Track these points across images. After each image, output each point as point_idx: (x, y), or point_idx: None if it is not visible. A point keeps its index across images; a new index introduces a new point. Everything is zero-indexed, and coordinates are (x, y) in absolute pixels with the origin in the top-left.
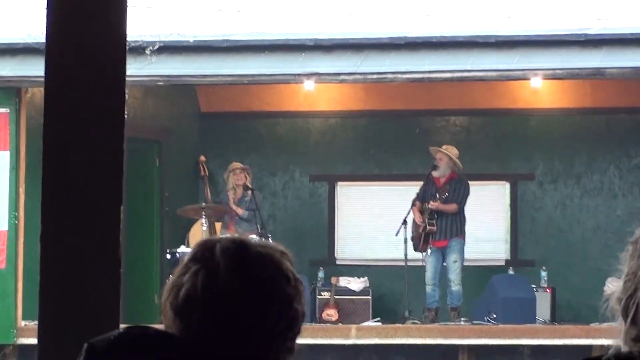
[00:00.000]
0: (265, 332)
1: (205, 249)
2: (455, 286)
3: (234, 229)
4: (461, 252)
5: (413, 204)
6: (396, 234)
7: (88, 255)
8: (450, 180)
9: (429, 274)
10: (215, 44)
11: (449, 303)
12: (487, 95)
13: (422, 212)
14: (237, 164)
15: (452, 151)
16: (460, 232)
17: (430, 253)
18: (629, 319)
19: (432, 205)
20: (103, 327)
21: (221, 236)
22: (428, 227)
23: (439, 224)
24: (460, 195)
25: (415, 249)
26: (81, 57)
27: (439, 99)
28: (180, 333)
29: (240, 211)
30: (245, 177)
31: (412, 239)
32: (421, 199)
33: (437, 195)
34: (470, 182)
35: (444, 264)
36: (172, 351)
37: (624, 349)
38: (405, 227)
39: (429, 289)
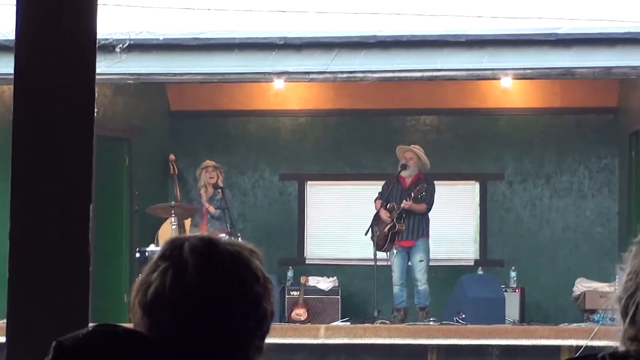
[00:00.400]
0: (233, 331)
1: (174, 247)
2: (422, 285)
3: (206, 228)
4: (427, 251)
5: (375, 202)
6: (365, 234)
7: (57, 253)
8: (417, 180)
9: (395, 274)
10: (185, 42)
11: (416, 303)
12: (457, 95)
13: (389, 211)
14: (210, 162)
15: (420, 151)
16: (425, 232)
17: (396, 253)
18: (628, 319)
19: (405, 204)
20: (72, 325)
21: (190, 234)
22: (397, 226)
23: (407, 224)
24: (429, 195)
25: (379, 248)
26: (51, 54)
27: (409, 98)
28: (149, 331)
29: (212, 209)
30: (218, 176)
31: (377, 238)
32: (385, 198)
33: (411, 195)
34: (439, 182)
35: (409, 263)
36: (140, 349)
37: (621, 348)
38: (375, 227)
39: (396, 289)
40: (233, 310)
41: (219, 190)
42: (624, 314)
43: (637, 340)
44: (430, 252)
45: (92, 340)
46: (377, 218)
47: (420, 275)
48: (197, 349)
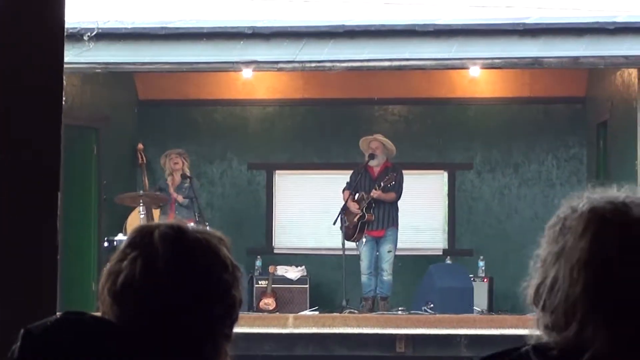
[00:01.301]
0: (202, 319)
1: (144, 235)
2: (388, 276)
3: (174, 216)
4: (395, 242)
5: (343, 193)
6: (334, 223)
7: (25, 242)
8: (385, 169)
9: (364, 264)
10: (153, 31)
11: (378, 292)
12: (426, 84)
13: (358, 201)
14: (174, 150)
15: (384, 139)
16: (395, 222)
17: (365, 242)
18: (539, 306)
19: (374, 194)
20: (40, 313)
21: (159, 222)
22: (367, 216)
23: (376, 214)
24: (398, 184)
25: (348, 238)
26: (19, 43)
27: (377, 88)
28: (118, 319)
29: (180, 198)
30: (182, 162)
31: (346, 228)
32: (353, 188)
33: (380, 185)
34: (408, 172)
35: (377, 253)
36: (108, 337)
37: (543, 338)
38: (343, 216)
39: (364, 278)
40: (202, 298)
41: (187, 180)
42: (536, 302)
43: (550, 328)
44: (399, 242)
45: (61, 327)
46: (345, 208)
47: (387, 266)
48: (166, 336)
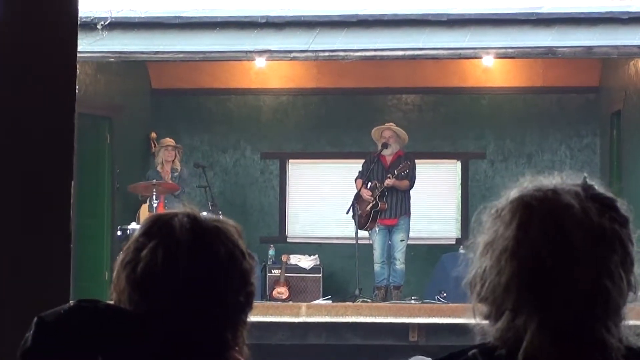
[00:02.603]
0: (224, 307)
1: (162, 225)
2: (401, 264)
3: (163, 207)
4: (408, 230)
5: (355, 182)
6: (347, 212)
7: (39, 230)
8: (398, 158)
9: (377, 253)
10: (167, 20)
11: (392, 281)
12: (439, 74)
13: (371, 190)
14: (169, 140)
15: (398, 128)
16: (407, 211)
17: (378, 231)
18: (474, 297)
19: (389, 182)
20: (53, 301)
21: (174, 211)
22: (380, 204)
23: (389, 202)
24: (411, 172)
25: (361, 227)
26: (32, 32)
27: (390, 77)
28: (136, 307)
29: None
30: (175, 155)
31: (358, 216)
32: (366, 177)
33: (394, 173)
34: (421, 161)
35: (389, 242)
36: (122, 324)
37: (488, 336)
38: (356, 205)
39: (377, 267)
40: (225, 286)
41: (177, 169)
42: (472, 292)
43: (486, 318)
44: (412, 231)
45: (74, 315)
46: (358, 197)
47: (400, 255)
48: (188, 324)
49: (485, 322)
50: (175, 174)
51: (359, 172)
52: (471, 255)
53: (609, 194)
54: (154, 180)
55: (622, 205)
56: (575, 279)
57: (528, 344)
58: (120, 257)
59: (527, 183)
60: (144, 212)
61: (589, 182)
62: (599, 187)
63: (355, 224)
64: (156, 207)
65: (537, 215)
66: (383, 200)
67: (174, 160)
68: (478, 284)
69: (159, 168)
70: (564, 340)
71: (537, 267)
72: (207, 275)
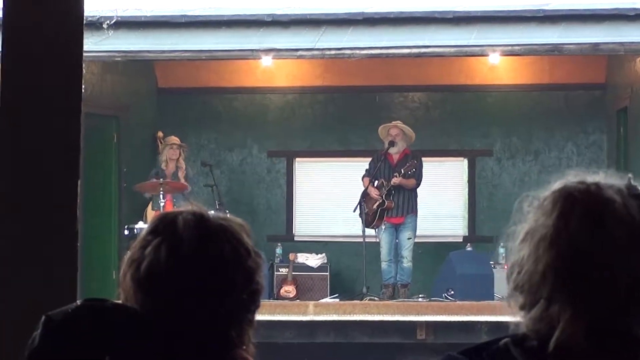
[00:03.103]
0: (228, 305)
1: (167, 223)
2: (408, 263)
3: (171, 205)
4: (415, 229)
5: (362, 180)
6: (354, 210)
7: (45, 229)
8: (405, 156)
9: (384, 251)
10: (173, 19)
11: (399, 280)
12: (445, 72)
13: (377, 188)
14: (174, 139)
15: (403, 125)
16: (414, 209)
17: (384, 229)
18: (512, 286)
19: (395, 180)
20: (60, 301)
21: (180, 209)
22: (386, 203)
23: (396, 201)
24: (418, 171)
25: (368, 225)
26: (38, 32)
27: (397, 75)
28: (142, 306)
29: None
30: (180, 154)
31: (365, 215)
32: (373, 175)
33: (401, 171)
34: (428, 159)
35: (396, 240)
36: (130, 323)
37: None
38: (363, 203)
39: (384, 265)
40: (229, 284)
41: (182, 167)
42: (509, 281)
43: (522, 308)
44: (419, 229)
45: (81, 314)
46: (365, 195)
47: (407, 253)
48: (192, 323)
49: (520, 312)
50: (179, 173)
51: (366, 170)
52: (510, 244)
53: None
54: (161, 180)
55: None
56: (613, 272)
57: (560, 334)
58: (126, 256)
59: (571, 177)
60: (151, 211)
61: (633, 182)
62: None
63: (362, 222)
64: (164, 206)
65: (578, 207)
66: (390, 199)
67: (178, 159)
68: (515, 272)
69: (163, 166)
70: (598, 331)
71: (574, 257)
72: (211, 273)
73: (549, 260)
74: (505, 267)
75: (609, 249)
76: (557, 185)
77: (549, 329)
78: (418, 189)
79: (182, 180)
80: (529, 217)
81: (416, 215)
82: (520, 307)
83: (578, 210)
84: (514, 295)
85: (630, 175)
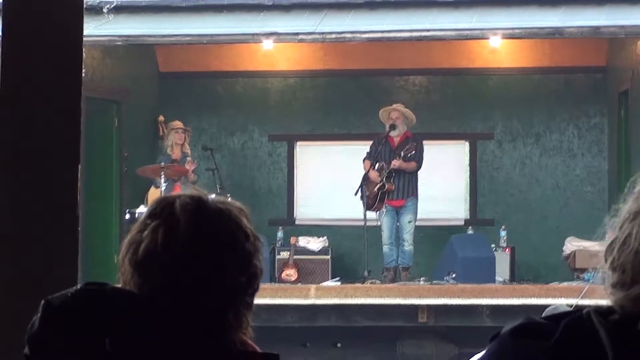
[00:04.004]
0: (224, 288)
1: (164, 206)
2: (409, 246)
3: (180, 189)
4: (415, 212)
5: (363, 163)
6: (355, 194)
7: (46, 214)
8: (406, 139)
9: (385, 234)
10: (174, 3)
11: (400, 263)
12: (446, 55)
13: (378, 171)
14: (178, 123)
15: (405, 109)
16: (414, 192)
17: (385, 212)
18: (609, 263)
19: (395, 163)
20: (61, 285)
21: (179, 193)
22: (387, 185)
23: (396, 183)
24: (419, 153)
25: (369, 208)
26: (38, 16)
27: (398, 59)
28: (140, 289)
29: (193, 166)
30: (185, 138)
31: (366, 197)
32: (374, 158)
33: (401, 154)
34: (429, 142)
35: (397, 223)
36: (129, 307)
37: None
38: (364, 186)
39: (386, 248)
40: (225, 267)
41: (187, 152)
42: (607, 257)
43: (616, 287)
44: (421, 212)
45: (81, 298)
46: (366, 178)
47: (408, 236)
48: (187, 305)
49: (612, 289)
50: (188, 157)
51: (367, 153)
52: (612, 221)
53: None
54: (162, 163)
55: None
56: None
57: None
58: (126, 239)
59: None
60: (152, 196)
61: None
62: None
63: (363, 205)
64: (171, 191)
65: None
66: (390, 182)
67: (183, 144)
68: (616, 250)
69: (168, 151)
70: None
71: None
72: (207, 256)
73: None
74: (507, 250)
75: None
76: None
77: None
78: (420, 172)
79: (190, 165)
80: (637, 197)
81: (417, 198)
82: (613, 285)
83: None
84: (608, 273)
85: None
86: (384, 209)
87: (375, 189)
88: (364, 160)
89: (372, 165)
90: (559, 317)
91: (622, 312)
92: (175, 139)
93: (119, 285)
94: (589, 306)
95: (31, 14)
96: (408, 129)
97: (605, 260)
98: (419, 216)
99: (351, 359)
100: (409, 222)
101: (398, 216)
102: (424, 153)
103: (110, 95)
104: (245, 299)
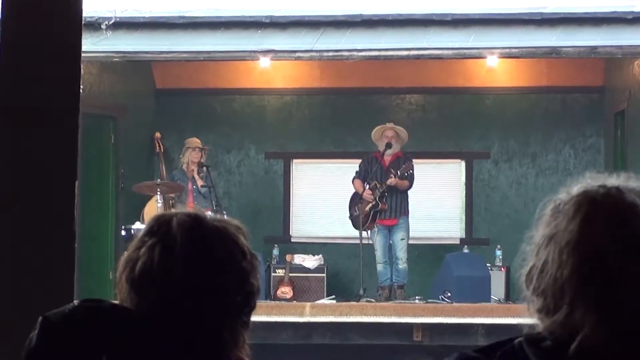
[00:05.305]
0: (221, 306)
1: (162, 223)
2: (403, 264)
3: (193, 205)
4: (408, 229)
5: (353, 182)
6: (350, 216)
7: (43, 230)
8: (397, 158)
9: (378, 253)
10: (171, 20)
11: (394, 281)
12: (443, 74)
13: (371, 190)
14: (197, 142)
15: (399, 128)
16: (406, 210)
17: (377, 231)
18: (530, 290)
19: (392, 181)
20: (58, 301)
21: (177, 211)
22: (380, 204)
23: (388, 202)
24: (412, 173)
25: (361, 226)
26: (37, 32)
27: (394, 77)
28: (136, 306)
29: (200, 182)
30: (202, 156)
31: (357, 217)
32: (363, 177)
33: (397, 173)
34: (426, 161)
35: (390, 242)
36: (126, 324)
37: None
38: (359, 205)
39: (380, 267)
40: (221, 285)
41: (203, 168)
42: (528, 285)
43: (541, 312)
44: (416, 231)
45: (78, 315)
46: (356, 197)
47: (402, 254)
48: (184, 323)
49: (538, 315)
50: (202, 174)
51: (357, 172)
52: (529, 248)
53: None
54: (158, 180)
55: None
56: (636, 276)
57: (584, 338)
58: (123, 256)
59: (590, 180)
60: (149, 212)
61: None
62: None
63: (352, 225)
64: (186, 206)
65: (602, 211)
66: (383, 201)
67: (199, 161)
68: (535, 277)
69: (184, 167)
70: (621, 336)
71: (599, 262)
72: (203, 274)
73: (574, 265)
74: (502, 269)
75: (633, 252)
76: (576, 189)
77: (569, 332)
78: (415, 191)
79: (197, 176)
80: (548, 221)
81: (408, 216)
82: (539, 311)
83: (601, 214)
84: (531, 299)
85: None
86: (375, 228)
87: (368, 208)
88: (353, 180)
89: (363, 185)
90: (492, 349)
91: (552, 338)
92: (192, 157)
93: (116, 302)
94: (521, 335)
95: (30, 30)
96: (400, 148)
97: (527, 288)
98: (414, 234)
99: None
100: (402, 239)
101: (390, 234)
102: (419, 172)
103: (107, 112)
104: (242, 317)
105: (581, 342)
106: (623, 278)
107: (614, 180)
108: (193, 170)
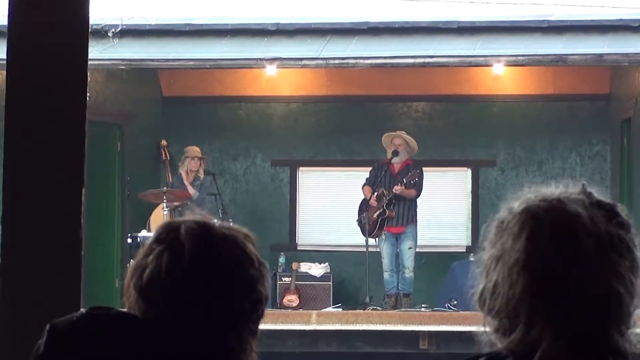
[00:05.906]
0: (229, 314)
1: (170, 231)
2: (409, 273)
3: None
4: (415, 238)
5: (363, 189)
6: (358, 222)
7: (50, 237)
8: (407, 166)
9: (385, 261)
10: (178, 28)
11: (400, 289)
12: (449, 82)
13: (378, 197)
14: (196, 151)
15: (408, 137)
16: (414, 219)
17: (385, 239)
18: (485, 311)
19: (397, 190)
20: (64, 308)
21: (185, 218)
22: (387, 212)
23: (396, 210)
24: (419, 181)
25: (368, 234)
26: (43, 40)
27: (401, 85)
28: (144, 314)
29: (192, 191)
30: (200, 164)
31: (365, 224)
32: (373, 184)
33: (403, 181)
34: (432, 169)
35: (397, 250)
36: (134, 332)
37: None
38: (366, 212)
39: (387, 275)
40: (228, 293)
41: (201, 177)
42: (482, 307)
43: (498, 332)
44: (423, 239)
45: (86, 322)
46: (364, 204)
47: (409, 263)
48: (192, 331)
49: (495, 335)
50: (197, 182)
51: (367, 179)
52: (478, 270)
53: (609, 200)
54: (164, 188)
55: (623, 210)
56: (588, 287)
57: (543, 354)
58: (131, 264)
59: (529, 194)
60: (155, 220)
61: (588, 189)
62: (597, 194)
63: (361, 232)
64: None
65: (546, 226)
66: (391, 208)
67: (198, 170)
68: (488, 298)
69: (183, 176)
70: (580, 348)
71: (549, 277)
72: (211, 282)
73: (524, 284)
74: None
75: (581, 264)
76: (518, 205)
77: (529, 349)
78: (422, 199)
79: (188, 185)
80: (494, 241)
81: (416, 225)
82: (495, 331)
83: (546, 229)
84: (486, 320)
85: (584, 182)
86: (383, 236)
87: (375, 215)
88: (363, 187)
89: (372, 192)
90: None
91: (514, 357)
92: (191, 166)
93: (124, 310)
94: (481, 354)
95: (36, 38)
96: (409, 157)
97: (481, 309)
98: (420, 242)
99: None
100: (409, 248)
101: (398, 243)
102: (423, 181)
103: (113, 119)
104: (250, 325)
105: (540, 358)
106: (575, 291)
107: (553, 190)
108: (190, 179)
